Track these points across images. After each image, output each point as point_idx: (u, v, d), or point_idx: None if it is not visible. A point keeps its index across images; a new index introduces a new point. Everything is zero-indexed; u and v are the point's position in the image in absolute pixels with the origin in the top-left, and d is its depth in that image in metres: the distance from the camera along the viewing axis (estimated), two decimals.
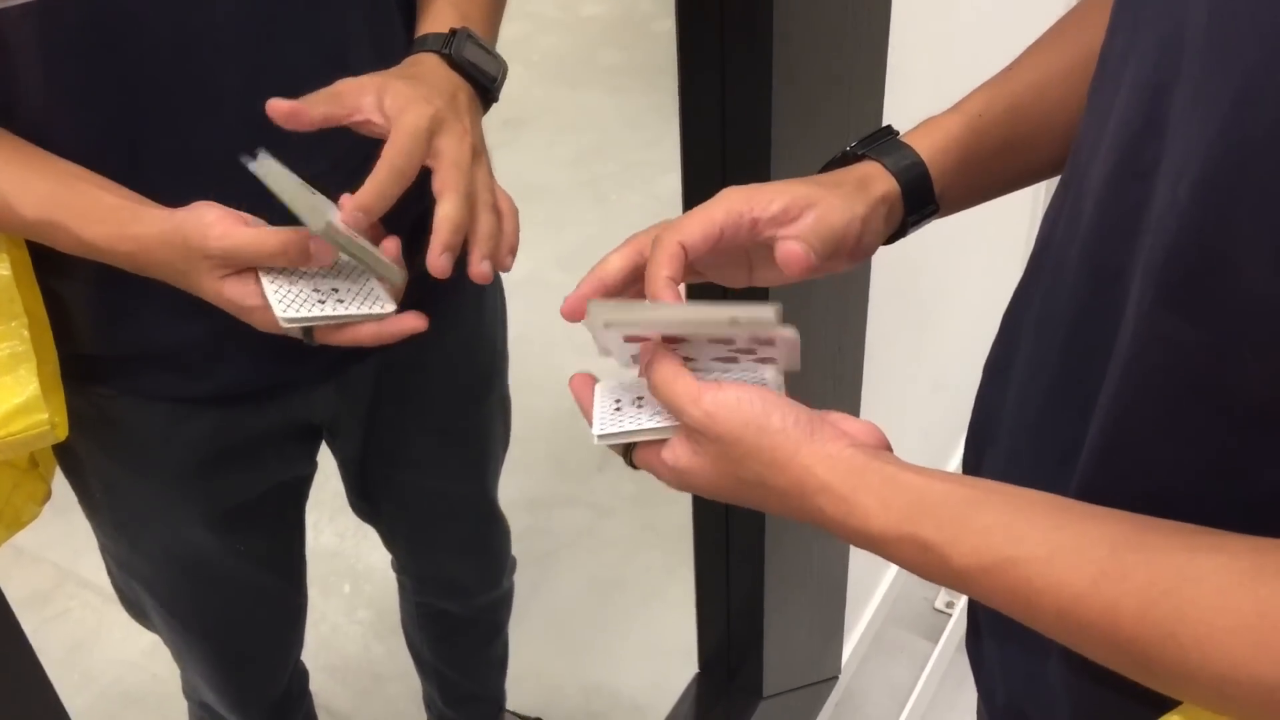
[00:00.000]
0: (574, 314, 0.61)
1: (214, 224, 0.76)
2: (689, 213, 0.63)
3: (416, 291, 1.02)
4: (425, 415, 1.15)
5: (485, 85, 0.88)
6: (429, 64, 0.86)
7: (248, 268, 0.77)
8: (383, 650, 1.96)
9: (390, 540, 1.35)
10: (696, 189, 1.05)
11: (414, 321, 0.80)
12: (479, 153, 0.83)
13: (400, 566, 1.42)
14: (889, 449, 0.56)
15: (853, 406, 1.32)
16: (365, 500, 1.26)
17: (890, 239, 0.71)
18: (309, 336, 0.79)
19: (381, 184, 0.75)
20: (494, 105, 0.91)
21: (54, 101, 0.80)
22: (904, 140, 0.68)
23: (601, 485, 2.25)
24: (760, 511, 0.60)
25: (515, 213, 0.85)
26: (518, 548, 2.17)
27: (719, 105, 0.94)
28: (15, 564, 2.09)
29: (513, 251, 0.84)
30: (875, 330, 1.30)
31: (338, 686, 1.91)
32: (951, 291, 1.65)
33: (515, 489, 2.30)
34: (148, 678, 1.90)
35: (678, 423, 0.58)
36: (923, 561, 0.51)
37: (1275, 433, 0.47)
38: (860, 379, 1.30)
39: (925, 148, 0.68)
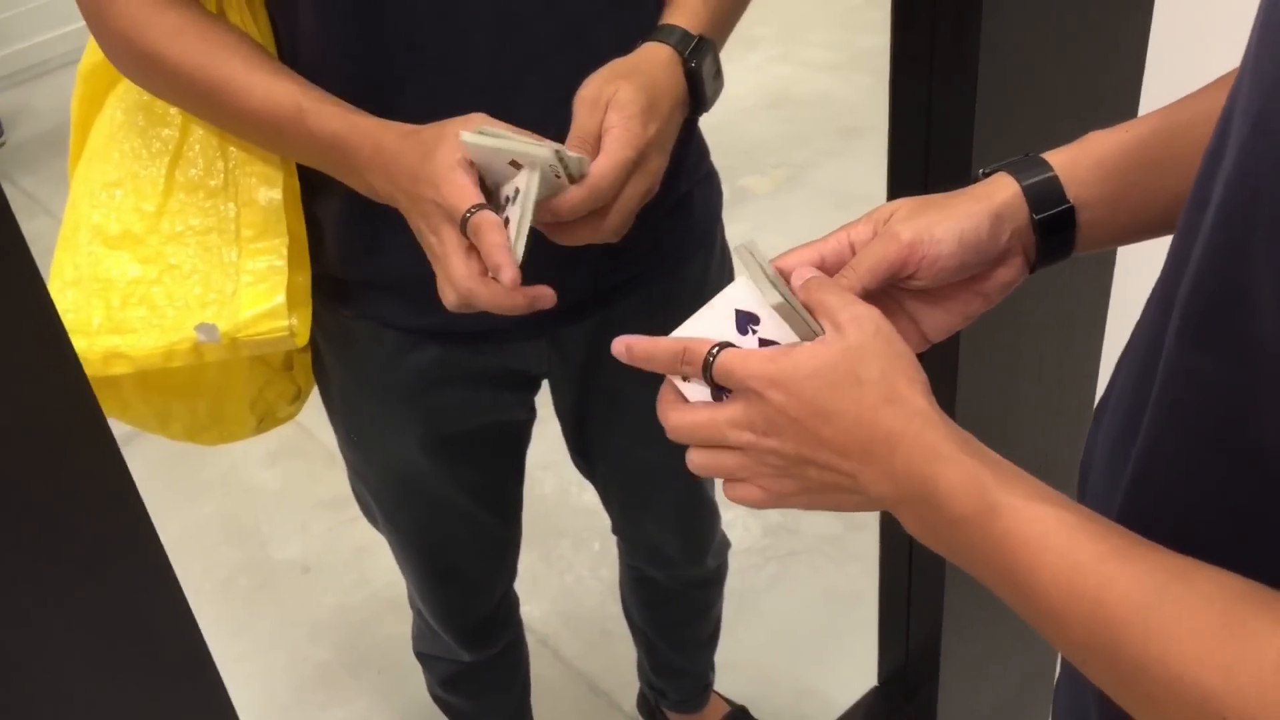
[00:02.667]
0: None
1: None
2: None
3: (629, 269, 1.09)
4: (639, 388, 1.19)
5: (699, 99, 0.93)
6: (662, 62, 0.91)
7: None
8: (617, 611, 2.05)
9: (605, 500, 1.43)
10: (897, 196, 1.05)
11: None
12: (653, 190, 0.90)
13: (615, 528, 1.50)
14: None
15: (1074, 444, 1.25)
16: (581, 457, 1.34)
17: (1045, 255, 0.69)
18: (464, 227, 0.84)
19: (585, 200, 0.85)
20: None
21: (324, 54, 0.94)
22: (1042, 156, 0.67)
23: None
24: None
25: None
26: (763, 543, 2.22)
27: (925, 116, 0.93)
28: (328, 469, 2.37)
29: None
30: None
31: (569, 634, 2.04)
32: None
33: None
34: None
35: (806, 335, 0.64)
36: (960, 483, 0.55)
37: None
38: (1089, 415, 1.23)
39: (1061, 154, 0.67)
